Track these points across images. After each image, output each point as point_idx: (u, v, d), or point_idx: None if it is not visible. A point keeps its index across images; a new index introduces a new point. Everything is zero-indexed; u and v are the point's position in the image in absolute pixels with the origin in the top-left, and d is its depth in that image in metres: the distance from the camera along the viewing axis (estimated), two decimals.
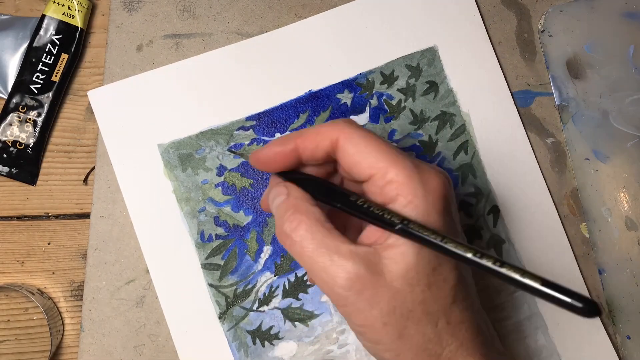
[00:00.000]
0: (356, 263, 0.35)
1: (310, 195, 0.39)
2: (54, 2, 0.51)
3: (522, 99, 0.54)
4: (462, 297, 0.37)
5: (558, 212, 0.53)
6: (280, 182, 0.41)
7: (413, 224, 0.35)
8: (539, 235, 0.53)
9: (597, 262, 0.53)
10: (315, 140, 0.39)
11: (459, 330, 0.37)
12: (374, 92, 0.53)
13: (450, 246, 0.33)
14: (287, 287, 0.50)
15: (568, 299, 0.28)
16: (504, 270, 0.31)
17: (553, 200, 0.53)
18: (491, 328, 0.41)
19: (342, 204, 0.38)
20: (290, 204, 0.38)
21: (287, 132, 0.52)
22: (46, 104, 0.51)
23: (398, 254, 0.35)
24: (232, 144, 0.51)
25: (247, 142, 0.51)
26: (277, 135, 0.51)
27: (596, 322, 0.52)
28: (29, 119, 0.51)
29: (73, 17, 0.51)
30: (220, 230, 0.50)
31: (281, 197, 0.39)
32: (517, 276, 0.30)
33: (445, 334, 0.36)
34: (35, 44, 0.51)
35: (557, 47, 0.55)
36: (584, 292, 0.53)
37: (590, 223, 0.53)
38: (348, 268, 0.35)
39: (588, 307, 0.27)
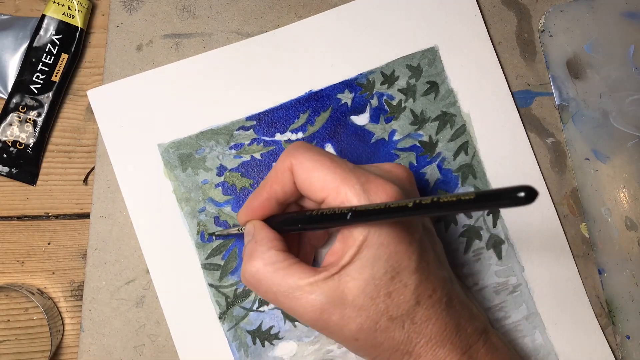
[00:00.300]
0: (317, 295, 0.38)
1: (275, 232, 0.42)
2: (54, 2, 0.51)
3: (522, 99, 0.54)
4: (427, 296, 0.39)
5: (558, 212, 0.53)
6: (250, 221, 0.44)
7: (360, 207, 0.36)
8: (538, 235, 0.53)
9: (597, 262, 0.53)
10: (277, 179, 0.42)
11: (426, 327, 0.39)
12: (374, 92, 0.53)
13: (393, 206, 0.34)
14: None
15: (505, 199, 0.28)
16: (442, 201, 0.31)
17: (553, 200, 0.53)
18: (468, 312, 0.43)
19: (302, 223, 0.41)
20: (249, 249, 0.41)
21: (287, 133, 0.52)
22: (46, 104, 0.51)
23: (355, 270, 0.38)
24: (232, 143, 0.51)
25: (247, 142, 0.51)
26: (277, 135, 0.51)
27: (593, 321, 0.52)
28: (29, 119, 0.51)
29: (73, 17, 0.51)
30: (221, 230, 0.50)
31: (248, 238, 0.42)
32: (453, 200, 0.31)
33: (413, 333, 0.39)
34: (35, 44, 0.51)
35: (557, 47, 0.55)
36: (582, 292, 0.53)
37: (590, 223, 0.53)
38: (310, 302, 0.38)
39: (527, 195, 0.27)
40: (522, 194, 0.27)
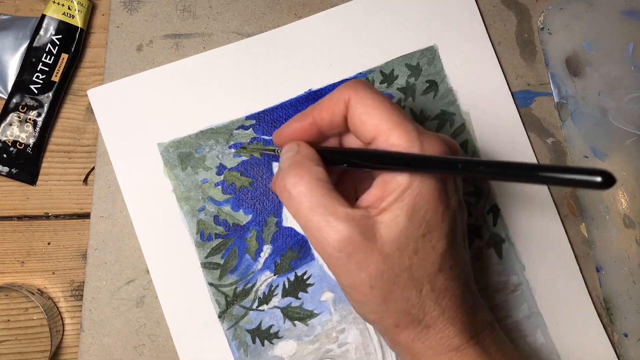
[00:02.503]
0: (350, 226, 0.36)
1: (320, 158, 0.40)
2: (54, 2, 0.51)
3: (522, 99, 0.54)
4: (449, 266, 0.38)
5: (558, 212, 0.53)
6: (293, 141, 0.42)
7: (435, 157, 0.36)
8: (539, 234, 0.53)
9: (595, 260, 0.53)
10: (329, 107, 0.40)
11: (443, 298, 0.38)
12: None
13: (460, 160, 0.34)
14: (286, 286, 0.50)
15: (586, 177, 0.27)
16: (507, 165, 0.32)
17: (553, 200, 0.53)
18: (479, 301, 0.42)
19: (354, 157, 0.39)
20: (295, 160, 0.39)
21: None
22: (46, 104, 0.51)
23: (391, 218, 0.36)
24: (231, 142, 0.51)
25: (246, 141, 0.51)
26: None
27: (595, 321, 0.52)
28: (29, 119, 0.51)
29: (73, 17, 0.51)
30: (220, 229, 0.50)
31: (290, 153, 0.40)
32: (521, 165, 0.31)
33: (429, 301, 0.38)
34: (35, 44, 0.51)
35: (557, 44, 0.55)
36: (585, 292, 0.52)
37: (588, 221, 0.53)
38: (342, 230, 0.36)
39: (604, 179, 0.26)
40: (598, 179, 0.26)
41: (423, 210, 0.37)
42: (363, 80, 0.41)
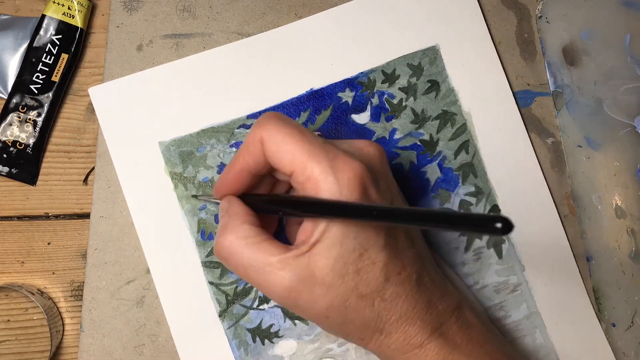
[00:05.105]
0: (287, 273, 0.38)
1: (248, 207, 0.42)
2: (54, 2, 0.51)
3: (522, 99, 0.54)
4: (396, 273, 0.39)
5: (558, 212, 0.53)
6: (225, 197, 0.44)
7: (331, 202, 0.37)
8: (539, 234, 0.53)
9: (586, 249, 0.53)
10: (248, 151, 0.41)
11: (396, 304, 0.39)
12: (375, 90, 0.53)
13: (375, 208, 0.35)
14: None
15: (485, 227, 0.27)
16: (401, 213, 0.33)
17: (553, 200, 0.53)
18: (441, 289, 0.43)
19: (272, 204, 0.41)
20: (223, 223, 0.41)
21: None
22: (46, 104, 0.51)
23: (324, 248, 0.38)
24: (233, 141, 0.51)
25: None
26: None
27: (594, 322, 0.52)
28: (29, 119, 0.51)
29: (73, 17, 0.51)
30: None
31: (221, 213, 0.42)
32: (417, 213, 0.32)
33: (383, 310, 0.39)
34: (35, 44, 0.51)
35: (554, 33, 0.55)
36: (583, 292, 0.53)
37: (580, 210, 0.53)
38: (280, 280, 0.38)
39: (504, 226, 0.26)
40: (499, 225, 0.26)
41: (353, 233, 0.38)
42: (273, 113, 0.41)
